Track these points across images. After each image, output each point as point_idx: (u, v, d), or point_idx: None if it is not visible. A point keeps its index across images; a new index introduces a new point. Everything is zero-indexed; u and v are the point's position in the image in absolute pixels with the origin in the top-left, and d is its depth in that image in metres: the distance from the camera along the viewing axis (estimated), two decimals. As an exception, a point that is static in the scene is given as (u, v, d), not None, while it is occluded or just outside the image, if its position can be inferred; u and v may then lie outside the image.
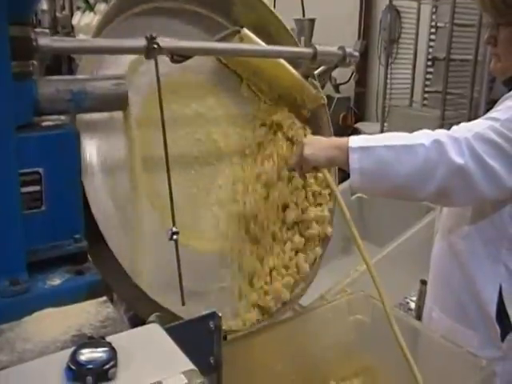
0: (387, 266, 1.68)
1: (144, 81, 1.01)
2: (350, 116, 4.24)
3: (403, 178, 0.96)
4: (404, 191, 1.00)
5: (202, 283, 1.08)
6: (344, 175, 1.12)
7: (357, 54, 1.22)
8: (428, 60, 3.53)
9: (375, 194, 1.10)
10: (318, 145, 1.02)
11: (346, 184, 1.34)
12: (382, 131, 3.55)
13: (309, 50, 1.11)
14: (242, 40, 1.10)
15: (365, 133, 3.87)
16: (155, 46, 0.85)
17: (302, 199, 1.16)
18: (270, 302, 1.10)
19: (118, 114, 0.93)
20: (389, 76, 3.74)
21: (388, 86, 3.71)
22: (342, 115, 4.16)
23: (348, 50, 1.18)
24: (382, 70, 3.94)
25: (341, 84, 4.44)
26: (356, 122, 4.24)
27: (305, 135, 1.16)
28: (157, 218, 1.01)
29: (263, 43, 1.11)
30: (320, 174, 1.10)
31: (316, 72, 1.23)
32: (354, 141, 0.99)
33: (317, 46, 1.12)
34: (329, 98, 4.15)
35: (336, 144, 1.01)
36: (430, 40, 3.50)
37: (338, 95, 4.27)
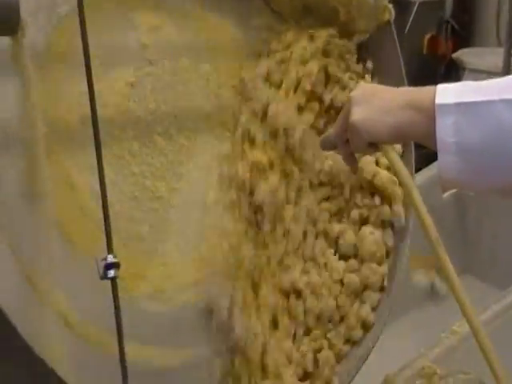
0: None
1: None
2: (445, 38, 4.25)
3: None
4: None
5: (166, 354, 1.14)
6: (426, 155, 1.11)
7: None
8: None
9: (487, 190, 1.09)
10: (376, 101, 1.02)
11: (430, 172, 1.31)
12: (507, 66, 3.49)
13: None
14: None
15: (472, 68, 3.82)
16: None
17: None
18: None
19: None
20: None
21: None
22: (428, 37, 4.16)
23: None
24: None
25: (428, -25, 4.38)
26: (456, 50, 4.23)
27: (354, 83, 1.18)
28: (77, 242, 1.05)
29: None
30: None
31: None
32: (446, 92, 0.96)
33: None
34: (402, 4, 4.06)
35: (410, 99, 1.00)
36: None
37: (420, -2, 4.26)
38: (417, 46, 3.94)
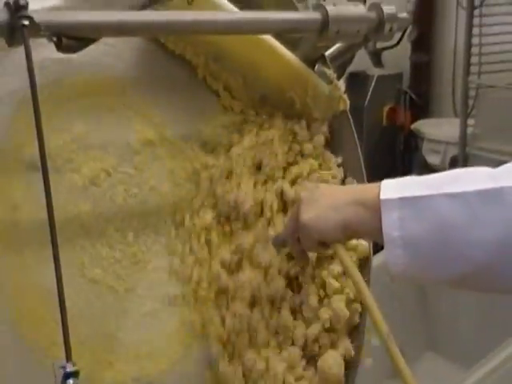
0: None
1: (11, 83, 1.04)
2: (404, 109, 4.18)
3: (486, 254, 0.94)
4: (489, 277, 0.97)
5: None
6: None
7: (405, 15, 1.24)
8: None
9: (435, 282, 1.10)
10: (324, 200, 1.04)
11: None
12: (463, 136, 3.52)
13: (315, 16, 1.13)
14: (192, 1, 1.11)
15: (431, 139, 3.85)
16: (25, 22, 0.86)
17: None
18: None
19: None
20: (476, 31, 3.69)
21: (474, 51, 3.69)
22: (387, 109, 4.08)
23: (388, 10, 1.19)
24: (461, 20, 3.86)
25: (385, 49, 4.26)
26: (414, 120, 4.16)
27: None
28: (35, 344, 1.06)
29: (231, 6, 1.14)
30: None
31: (328, 52, 1.25)
32: (390, 188, 0.99)
33: (328, 8, 1.13)
34: (362, 78, 4.09)
35: (357, 196, 1.02)
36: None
37: (379, 72, 4.19)
38: (376, 117, 3.92)
